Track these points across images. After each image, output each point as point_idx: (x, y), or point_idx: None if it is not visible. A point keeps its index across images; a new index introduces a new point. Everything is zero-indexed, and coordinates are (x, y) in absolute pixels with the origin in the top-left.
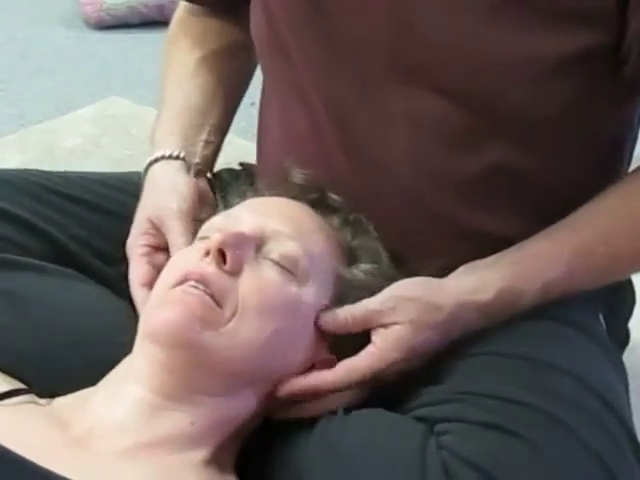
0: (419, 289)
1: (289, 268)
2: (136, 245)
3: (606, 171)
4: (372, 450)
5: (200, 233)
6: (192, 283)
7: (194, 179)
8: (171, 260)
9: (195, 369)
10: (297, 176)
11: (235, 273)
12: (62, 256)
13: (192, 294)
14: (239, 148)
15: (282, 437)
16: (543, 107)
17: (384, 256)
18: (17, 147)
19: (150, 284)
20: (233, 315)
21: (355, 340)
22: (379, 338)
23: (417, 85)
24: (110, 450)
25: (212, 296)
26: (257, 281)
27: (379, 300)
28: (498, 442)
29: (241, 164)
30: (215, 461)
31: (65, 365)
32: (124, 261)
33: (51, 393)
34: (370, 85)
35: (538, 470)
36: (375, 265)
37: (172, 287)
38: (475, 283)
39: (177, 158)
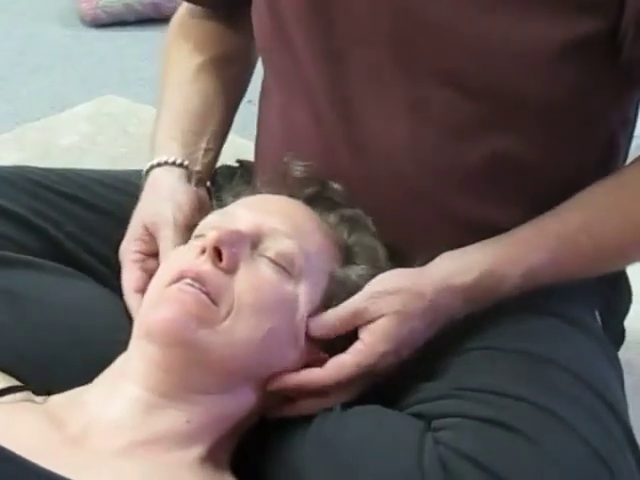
0: (400, 280)
1: (285, 266)
2: (129, 251)
3: (604, 164)
4: (369, 447)
5: (196, 231)
6: (188, 281)
7: (194, 188)
8: (167, 259)
9: (191, 367)
10: (296, 170)
11: (231, 271)
12: (59, 254)
13: (188, 292)
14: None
15: (278, 434)
16: (545, 96)
17: (381, 253)
18: (13, 145)
19: (142, 290)
20: (229, 313)
21: (347, 338)
22: (366, 333)
23: (421, 75)
24: (106, 448)
25: (208, 294)
26: (253, 279)
27: (362, 298)
28: (495, 436)
29: (239, 161)
30: (211, 459)
31: (64, 363)
32: (119, 261)
33: (47, 391)
34: (374, 76)
35: (535, 464)
36: (371, 264)
37: (168, 285)
38: (455, 267)
39: (180, 166)
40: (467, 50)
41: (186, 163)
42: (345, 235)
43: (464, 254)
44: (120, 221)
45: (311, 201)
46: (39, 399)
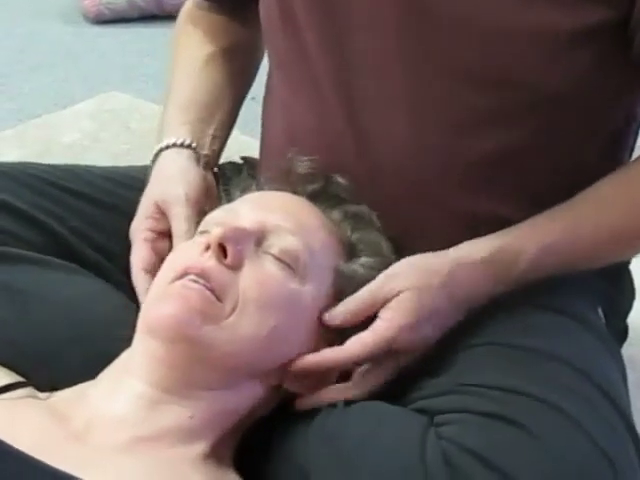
0: (413, 260)
1: (289, 263)
2: (140, 229)
3: (609, 159)
4: (372, 442)
5: (200, 227)
6: (192, 277)
7: (203, 171)
8: (171, 254)
9: (195, 363)
10: (300, 166)
11: (235, 267)
12: (63, 249)
13: (192, 288)
14: (239, 143)
15: (281, 430)
16: (552, 86)
17: (386, 247)
18: (15, 142)
19: (151, 269)
20: (233, 309)
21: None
22: (384, 311)
23: (425, 68)
24: (109, 444)
25: (212, 290)
26: (258, 275)
27: (376, 281)
28: (499, 431)
29: (243, 158)
30: (214, 455)
31: (65, 359)
32: (124, 256)
33: (51, 387)
34: (378, 70)
35: (538, 458)
36: (376, 258)
37: (172, 281)
38: (469, 246)
39: (188, 147)
40: (474, 40)
41: (194, 145)
42: (349, 232)
43: (479, 239)
44: (124, 216)
45: (315, 197)
46: (42, 395)
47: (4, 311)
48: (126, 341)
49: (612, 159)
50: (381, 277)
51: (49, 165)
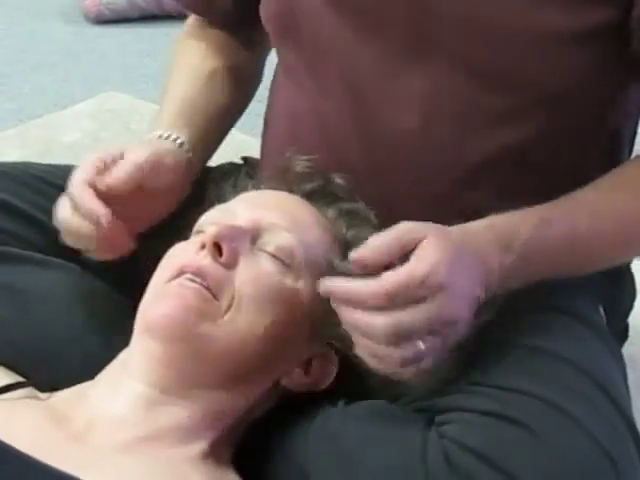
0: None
1: (285, 260)
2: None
3: (609, 157)
4: (373, 441)
5: (196, 227)
6: (189, 276)
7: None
8: (167, 254)
9: (193, 362)
10: (298, 164)
11: (231, 265)
12: (62, 249)
13: (188, 287)
14: (239, 142)
15: (281, 429)
16: (554, 85)
17: None
18: (16, 142)
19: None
20: (230, 307)
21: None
22: (413, 254)
23: (434, 60)
24: (109, 444)
25: (208, 289)
26: (253, 273)
27: (398, 229)
28: (500, 430)
29: (243, 158)
30: (213, 454)
31: (65, 359)
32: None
33: (51, 387)
34: (386, 64)
35: (539, 456)
36: None
37: (168, 281)
38: (469, 223)
39: (174, 141)
40: (477, 40)
41: (180, 141)
42: (344, 229)
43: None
44: None
45: (310, 196)
46: (42, 395)
47: (4, 311)
48: (125, 342)
49: (612, 157)
50: (400, 227)
51: (48, 165)
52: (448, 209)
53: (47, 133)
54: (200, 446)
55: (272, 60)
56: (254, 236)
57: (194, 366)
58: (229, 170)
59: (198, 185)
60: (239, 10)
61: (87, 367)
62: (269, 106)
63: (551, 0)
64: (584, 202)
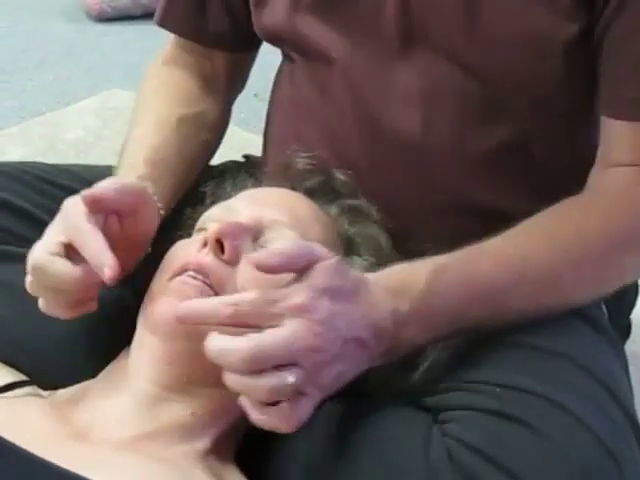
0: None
1: None
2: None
3: None
4: (377, 437)
5: (198, 225)
6: (191, 273)
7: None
8: (169, 252)
9: (194, 359)
10: (300, 161)
11: (233, 263)
12: None
13: (190, 284)
14: (240, 140)
15: None
16: (550, 86)
17: (384, 242)
18: (19, 140)
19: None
20: None
21: None
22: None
23: (430, 58)
24: (111, 442)
25: (211, 286)
26: (255, 270)
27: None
28: (502, 428)
29: (245, 156)
30: (216, 451)
31: (68, 357)
32: None
33: (53, 385)
34: (386, 62)
35: (542, 455)
36: (373, 254)
37: (170, 278)
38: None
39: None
40: (468, 37)
41: (153, 192)
42: (346, 226)
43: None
44: None
45: (312, 193)
46: (44, 393)
47: (6, 310)
48: (127, 339)
49: None
50: (305, 244)
51: (49, 165)
52: (449, 206)
53: (50, 131)
54: (202, 443)
55: (272, 59)
56: (256, 233)
57: (196, 363)
58: (230, 168)
59: (199, 183)
60: (233, 31)
61: (89, 365)
62: (271, 104)
63: (543, 7)
64: (487, 248)
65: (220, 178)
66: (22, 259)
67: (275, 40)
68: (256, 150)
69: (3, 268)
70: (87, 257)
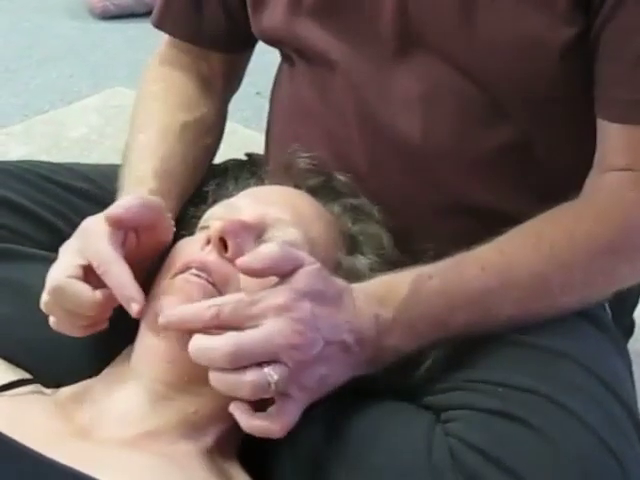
0: None
1: None
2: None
3: None
4: (379, 436)
5: (201, 223)
6: (194, 271)
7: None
8: (172, 250)
9: None
10: (302, 161)
11: (236, 261)
12: None
13: (193, 282)
14: (243, 137)
15: None
16: (549, 89)
17: (387, 241)
18: (22, 137)
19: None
20: None
21: None
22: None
23: (429, 62)
24: (114, 440)
25: (213, 284)
26: None
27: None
28: (505, 428)
29: (247, 154)
30: (219, 449)
31: (71, 355)
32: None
33: (56, 383)
34: (385, 66)
35: (544, 455)
36: (376, 252)
37: (174, 276)
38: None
39: None
40: (472, 41)
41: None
42: (349, 224)
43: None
44: None
45: (315, 191)
46: (48, 391)
47: (10, 308)
48: (131, 337)
49: None
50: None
51: (53, 163)
52: (449, 208)
53: (53, 129)
54: (205, 441)
55: (275, 57)
56: (259, 231)
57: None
58: (232, 167)
59: (202, 183)
60: (230, 32)
61: (92, 363)
62: (271, 103)
63: (540, 13)
64: (473, 256)
65: (222, 177)
66: (23, 257)
67: (274, 43)
68: (258, 148)
69: (7, 267)
70: (112, 287)
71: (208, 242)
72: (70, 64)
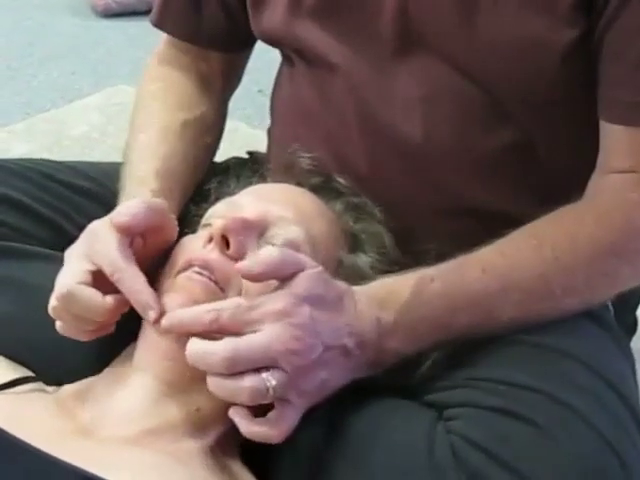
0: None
1: None
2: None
3: None
4: (381, 433)
5: (203, 221)
6: (196, 269)
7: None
8: (174, 248)
9: None
10: (303, 161)
11: (238, 259)
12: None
13: (195, 280)
14: (245, 135)
15: None
16: (549, 90)
17: (388, 240)
18: (24, 135)
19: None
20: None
21: None
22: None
23: (429, 63)
24: (116, 437)
25: (216, 282)
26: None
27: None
28: (507, 426)
29: (249, 153)
30: (221, 446)
31: (73, 354)
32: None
33: (58, 381)
34: (386, 67)
35: (546, 453)
36: (377, 251)
37: (176, 275)
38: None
39: None
40: (472, 43)
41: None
42: (351, 222)
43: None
44: None
45: (317, 190)
46: (50, 389)
47: (10, 306)
48: (133, 335)
49: None
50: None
51: (55, 162)
52: (450, 209)
53: (55, 127)
54: (208, 439)
55: (277, 55)
56: (261, 229)
57: None
58: (234, 165)
59: (203, 181)
60: (230, 31)
61: (94, 361)
62: (272, 102)
63: (542, 15)
64: (474, 258)
65: (224, 175)
66: (24, 255)
67: (274, 43)
68: (260, 146)
69: (9, 264)
70: (127, 294)
71: (210, 240)
72: (72, 62)
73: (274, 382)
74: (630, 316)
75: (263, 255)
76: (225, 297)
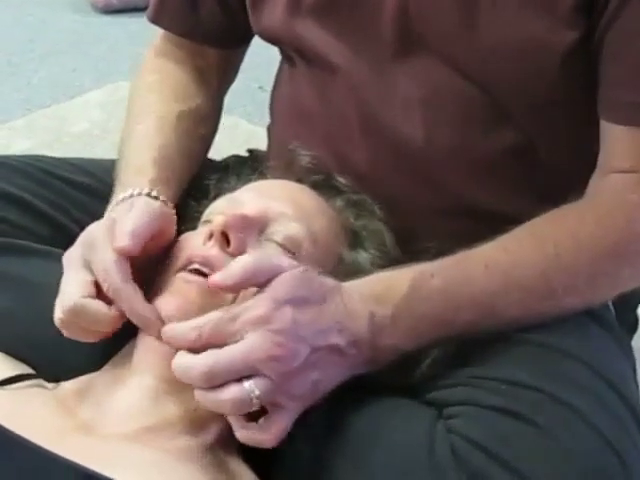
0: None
1: (292, 250)
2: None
3: None
4: (381, 432)
5: (203, 217)
6: (196, 266)
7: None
8: (175, 244)
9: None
10: (303, 159)
11: (238, 255)
12: (68, 241)
13: (191, 282)
14: (246, 132)
15: None
16: (549, 92)
17: (388, 237)
18: (24, 132)
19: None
20: (236, 297)
21: None
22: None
23: (429, 64)
24: (116, 434)
25: None
26: None
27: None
28: (507, 425)
29: (249, 150)
30: (221, 444)
31: (72, 350)
32: None
33: (58, 378)
34: (386, 68)
35: (545, 452)
36: (378, 248)
37: (175, 272)
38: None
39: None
40: (473, 44)
41: (154, 194)
42: (351, 219)
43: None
44: None
45: (317, 187)
46: (49, 386)
47: (10, 302)
48: (133, 332)
49: None
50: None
51: (55, 158)
52: (450, 209)
53: (56, 123)
54: (208, 436)
55: (275, 53)
56: (262, 226)
57: None
58: (234, 164)
59: (203, 178)
60: (227, 28)
61: (94, 358)
62: (272, 101)
63: (542, 17)
64: (476, 254)
65: (224, 172)
66: (24, 251)
67: (274, 42)
68: (261, 142)
69: (9, 261)
70: (125, 310)
71: (210, 236)
72: (73, 58)
73: (257, 391)
74: (631, 315)
75: (235, 266)
76: (224, 295)
